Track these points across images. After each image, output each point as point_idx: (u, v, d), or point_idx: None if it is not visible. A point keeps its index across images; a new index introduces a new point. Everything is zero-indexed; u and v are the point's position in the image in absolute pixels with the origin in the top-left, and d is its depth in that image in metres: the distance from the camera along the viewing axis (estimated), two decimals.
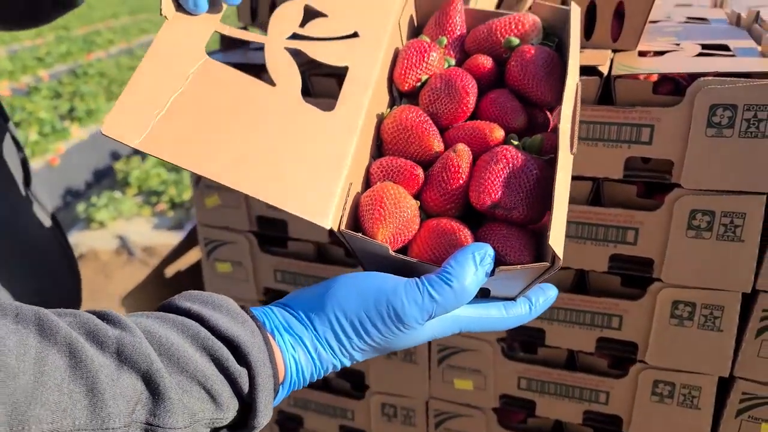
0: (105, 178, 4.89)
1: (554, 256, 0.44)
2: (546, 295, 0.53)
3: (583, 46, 0.79)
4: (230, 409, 0.42)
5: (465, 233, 0.49)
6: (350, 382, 0.95)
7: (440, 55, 0.60)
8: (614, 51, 0.78)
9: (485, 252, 0.46)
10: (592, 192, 0.74)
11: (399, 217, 0.50)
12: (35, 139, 4.58)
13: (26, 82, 6.88)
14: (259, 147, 0.49)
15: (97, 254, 3.23)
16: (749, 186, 0.65)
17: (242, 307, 0.46)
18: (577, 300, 0.77)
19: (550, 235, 0.44)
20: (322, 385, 0.97)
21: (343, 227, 0.50)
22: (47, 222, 0.74)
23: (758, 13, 0.94)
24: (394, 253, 0.49)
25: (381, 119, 0.58)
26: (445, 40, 0.62)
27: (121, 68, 7.26)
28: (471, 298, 0.46)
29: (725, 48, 0.76)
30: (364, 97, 0.56)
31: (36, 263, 0.68)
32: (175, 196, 3.60)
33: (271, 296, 0.94)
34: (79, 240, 3.33)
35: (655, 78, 0.67)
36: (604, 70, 0.67)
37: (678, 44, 0.78)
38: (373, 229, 0.50)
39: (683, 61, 0.69)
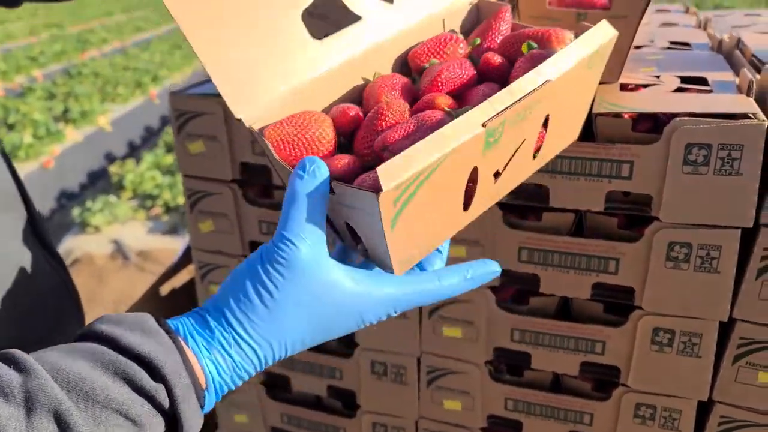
0: (99, 180, 4.89)
1: (378, 187, 0.42)
2: (486, 269, 0.54)
3: None
4: (154, 426, 0.42)
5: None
6: (342, 401, 0.97)
7: (464, 51, 0.60)
8: None
9: (314, 165, 0.46)
10: (575, 223, 0.76)
11: (297, 127, 0.50)
12: (29, 141, 4.58)
13: (20, 82, 6.86)
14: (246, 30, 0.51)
15: (92, 258, 3.24)
16: (725, 220, 0.67)
17: (158, 321, 0.45)
18: (562, 326, 0.79)
19: (386, 164, 0.43)
20: (315, 403, 1.00)
21: (257, 128, 0.51)
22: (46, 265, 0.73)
23: (739, 39, 0.97)
24: (270, 149, 0.50)
25: (367, 82, 0.60)
26: (478, 41, 0.62)
27: (116, 68, 7.24)
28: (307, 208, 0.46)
29: (704, 81, 0.78)
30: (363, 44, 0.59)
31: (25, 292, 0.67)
32: (170, 200, 3.61)
33: (270, 378, 0.96)
34: (74, 244, 3.34)
35: (634, 115, 0.69)
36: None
37: (658, 76, 0.80)
38: (269, 127, 0.51)
39: (661, 98, 0.72)
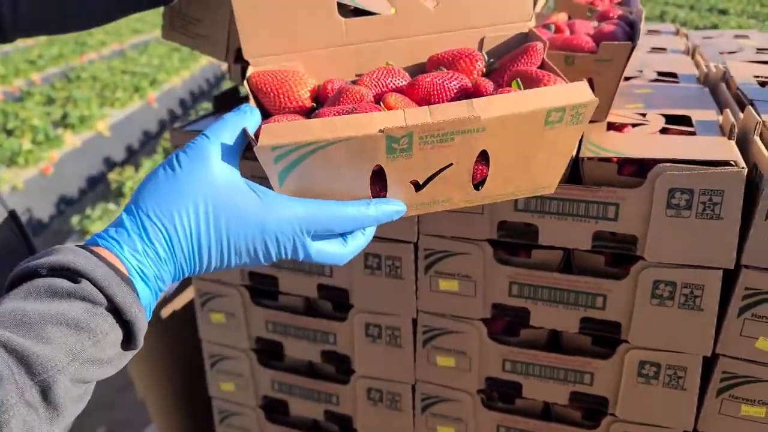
0: (98, 186, 4.91)
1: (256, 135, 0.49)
2: (390, 205, 0.54)
3: None
4: (98, 322, 0.42)
5: None
6: (339, 426, 1.00)
7: (480, 69, 0.61)
8: None
9: (249, 108, 0.52)
10: (563, 260, 0.78)
11: (278, 80, 0.56)
12: (29, 147, 4.60)
13: (19, 85, 6.87)
14: None
15: None
16: (707, 261, 0.70)
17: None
18: (552, 357, 0.82)
19: (274, 125, 0.49)
20: (312, 426, 1.02)
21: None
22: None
23: (725, 71, 0.99)
24: (247, 88, 0.57)
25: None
26: (497, 64, 0.63)
27: (114, 72, 7.25)
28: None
29: (688, 121, 0.80)
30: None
31: None
32: None
33: (261, 344, 0.99)
34: None
35: (620, 160, 0.72)
36: (573, 150, 0.72)
37: (644, 114, 0.83)
38: (256, 71, 0.58)
39: (646, 141, 0.74)
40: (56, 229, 4.23)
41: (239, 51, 0.76)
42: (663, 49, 1.26)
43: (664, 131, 0.78)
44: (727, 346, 0.73)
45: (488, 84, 0.55)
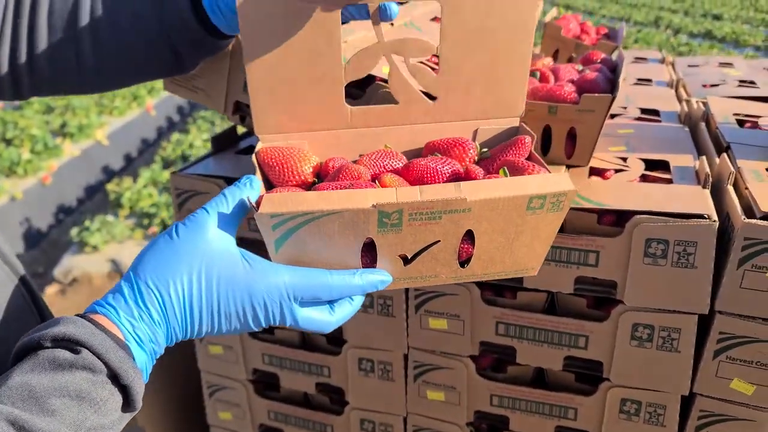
0: (97, 194, 4.93)
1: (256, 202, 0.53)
2: (376, 275, 0.56)
3: None
4: (98, 389, 0.45)
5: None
6: None
7: (473, 156, 0.63)
8: (568, 167, 0.86)
9: (249, 179, 0.55)
10: (548, 301, 0.82)
11: (284, 156, 0.60)
12: (28, 157, 4.62)
13: None
14: None
15: (90, 278, 3.29)
16: (682, 306, 0.73)
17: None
18: (537, 393, 0.85)
19: (276, 195, 0.52)
20: None
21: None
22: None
23: (704, 112, 1.03)
24: (255, 163, 0.60)
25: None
26: (488, 153, 0.65)
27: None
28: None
29: (666, 166, 0.84)
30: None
31: None
32: (167, 219, 3.66)
33: (259, 375, 1.02)
34: (72, 264, 3.39)
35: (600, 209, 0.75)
36: None
37: (626, 159, 0.86)
38: (265, 147, 0.61)
39: (625, 191, 0.77)
40: (55, 239, 4.25)
41: (237, 103, 0.80)
42: (648, 81, 1.30)
43: (643, 177, 0.82)
44: (703, 386, 0.76)
45: (478, 170, 0.58)
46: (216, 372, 1.03)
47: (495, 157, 0.62)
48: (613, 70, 0.96)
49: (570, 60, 1.28)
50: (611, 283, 0.76)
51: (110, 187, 4.23)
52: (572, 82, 0.89)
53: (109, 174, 5.24)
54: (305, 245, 0.54)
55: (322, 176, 0.61)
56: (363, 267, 0.56)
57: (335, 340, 0.95)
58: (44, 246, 4.15)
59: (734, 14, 8.86)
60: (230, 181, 0.89)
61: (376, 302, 0.87)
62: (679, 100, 1.18)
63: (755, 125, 1.00)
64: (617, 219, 0.75)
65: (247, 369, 1.01)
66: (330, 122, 0.63)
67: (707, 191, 0.76)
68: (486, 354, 0.87)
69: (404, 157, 0.63)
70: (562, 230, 0.76)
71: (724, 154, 0.81)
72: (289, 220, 0.51)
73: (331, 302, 0.56)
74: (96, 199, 4.87)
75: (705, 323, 0.74)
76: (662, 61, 1.51)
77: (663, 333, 0.75)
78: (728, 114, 1.03)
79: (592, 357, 0.81)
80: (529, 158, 0.62)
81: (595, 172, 0.85)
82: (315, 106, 0.62)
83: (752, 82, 1.24)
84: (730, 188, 0.75)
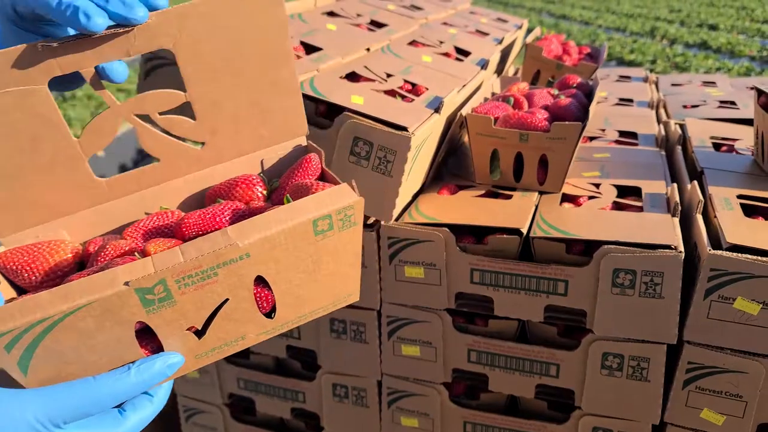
0: None
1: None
2: (163, 359, 0.46)
3: (513, 187, 0.88)
4: None
5: None
6: None
7: (262, 192, 0.56)
8: (541, 193, 0.86)
9: None
10: (519, 329, 0.82)
11: (33, 251, 0.49)
12: None
13: None
14: None
15: None
16: (651, 336, 0.73)
17: None
18: (510, 421, 0.85)
19: (8, 306, 0.41)
20: None
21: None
22: None
23: (680, 136, 1.03)
24: None
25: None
26: (277, 183, 0.57)
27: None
28: None
29: (638, 193, 0.84)
30: None
31: None
32: None
33: (235, 400, 1.01)
34: None
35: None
36: (525, 229, 0.75)
37: (599, 185, 0.86)
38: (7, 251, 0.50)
39: (595, 219, 0.77)
40: None
41: None
42: (630, 101, 1.30)
43: (615, 204, 0.82)
44: (674, 415, 0.76)
45: (263, 205, 0.51)
46: (192, 396, 1.03)
47: (283, 185, 0.55)
48: (588, 95, 0.96)
49: (552, 79, 1.28)
50: (581, 311, 0.76)
51: None
52: (546, 107, 0.89)
53: None
54: (61, 355, 0.43)
55: (86, 263, 0.51)
56: (152, 354, 0.46)
57: (310, 365, 0.95)
58: None
59: (730, 24, 8.90)
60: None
61: (349, 328, 0.87)
62: (659, 121, 1.18)
63: (731, 149, 1.00)
64: (586, 248, 0.75)
65: (223, 393, 1.00)
66: (84, 201, 0.53)
67: (676, 220, 0.75)
68: (459, 381, 0.86)
69: (183, 214, 0.54)
70: (530, 258, 0.76)
71: (695, 182, 0.81)
72: (24, 333, 0.41)
73: (121, 406, 0.45)
74: None
75: (675, 353, 0.74)
76: (646, 79, 1.52)
77: (633, 362, 0.75)
78: (705, 137, 1.04)
79: (563, 385, 0.80)
80: (323, 177, 0.55)
81: (567, 198, 0.85)
82: (59, 191, 0.52)
83: (733, 103, 1.25)
84: (699, 217, 0.75)
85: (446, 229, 0.77)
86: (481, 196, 0.86)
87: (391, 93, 0.84)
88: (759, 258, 0.66)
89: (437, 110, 0.79)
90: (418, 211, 0.82)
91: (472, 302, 0.80)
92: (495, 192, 0.87)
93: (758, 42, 7.40)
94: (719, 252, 0.68)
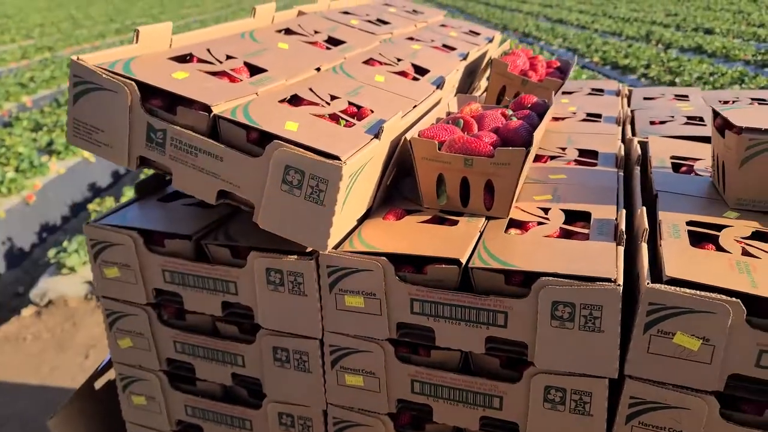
0: (82, 212, 4.92)
1: None
2: None
3: (461, 212, 0.85)
4: None
5: None
6: None
7: None
8: (488, 218, 0.84)
9: None
10: (462, 359, 0.79)
11: None
12: (12, 176, 4.61)
13: (9, 108, 6.91)
14: None
15: (66, 301, 3.26)
16: (592, 370, 0.71)
17: None
18: None
19: None
20: None
21: None
22: None
23: (639, 156, 1.01)
24: None
25: None
26: None
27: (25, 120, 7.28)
28: None
29: (587, 217, 0.82)
30: None
31: None
32: None
33: (183, 426, 0.99)
34: (49, 285, 3.36)
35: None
36: (464, 259, 0.73)
37: (548, 210, 0.84)
38: None
39: (537, 248, 0.75)
40: (36, 258, 4.23)
41: (142, 158, 0.78)
42: (598, 117, 1.28)
43: (562, 231, 0.80)
44: None
45: None
46: (140, 423, 1.01)
47: None
48: (542, 116, 0.94)
49: (517, 95, 1.26)
50: (522, 343, 0.74)
51: (91, 207, 4.21)
52: (496, 130, 0.87)
53: (96, 192, 5.23)
54: None
55: None
56: None
57: (257, 393, 0.92)
58: (26, 265, 4.12)
59: (726, 28, 8.88)
60: (144, 233, 0.87)
61: (292, 357, 0.85)
62: (624, 138, 1.16)
63: (690, 169, 0.98)
64: (525, 279, 0.73)
65: (171, 420, 0.98)
66: None
67: (621, 249, 0.73)
68: (404, 411, 0.84)
69: None
70: (470, 289, 0.74)
71: (643, 208, 0.79)
72: None
73: None
74: (81, 217, 4.85)
75: (618, 387, 0.72)
76: (618, 93, 1.50)
77: (575, 396, 0.73)
78: (666, 157, 1.02)
79: (507, 418, 0.78)
80: None
81: (515, 224, 0.83)
82: None
83: (701, 119, 1.23)
84: (644, 246, 0.73)
85: (385, 258, 0.75)
86: (426, 221, 0.84)
87: (333, 117, 0.82)
88: (698, 293, 0.64)
89: (377, 136, 0.77)
90: (360, 238, 0.80)
91: (413, 332, 0.78)
92: (442, 217, 0.85)
93: (753, 46, 7.38)
94: (657, 286, 0.65)
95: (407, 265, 0.76)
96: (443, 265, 0.73)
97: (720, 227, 0.78)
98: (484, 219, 0.83)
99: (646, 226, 0.74)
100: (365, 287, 0.77)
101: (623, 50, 7.50)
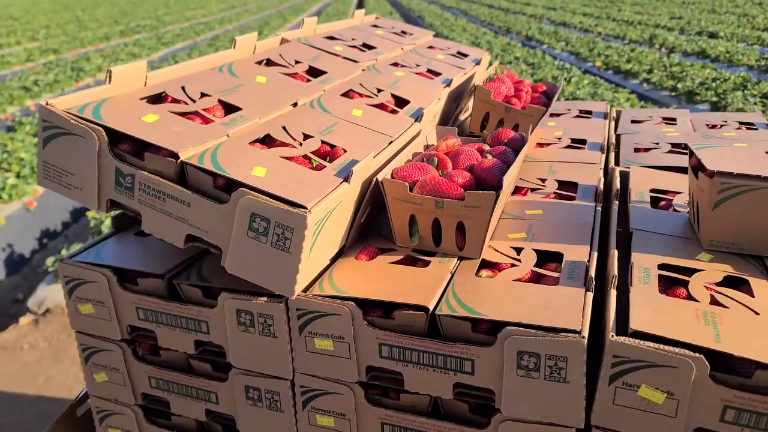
0: (82, 218, 4.94)
1: None
2: None
3: (434, 252, 0.85)
4: None
5: None
6: None
7: None
8: (460, 259, 0.83)
9: None
10: (431, 403, 0.79)
11: None
12: (13, 182, 4.63)
13: (12, 112, 6.95)
14: None
15: (63, 310, 3.27)
16: (558, 420, 0.70)
17: None
18: None
19: None
20: None
21: None
22: None
23: (618, 190, 1.00)
24: None
25: None
26: None
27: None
28: None
29: (560, 258, 0.81)
30: None
31: None
32: None
33: None
34: (47, 294, 3.37)
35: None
36: (431, 306, 0.73)
37: (520, 251, 0.84)
38: None
39: (505, 295, 0.74)
40: (36, 265, 4.25)
41: (111, 200, 0.78)
42: (582, 143, 1.27)
43: (533, 273, 0.79)
44: None
45: None
46: None
47: None
48: (519, 151, 0.94)
49: (501, 122, 1.26)
50: (489, 390, 0.73)
51: (90, 213, 4.23)
52: (471, 168, 0.87)
53: None
54: None
55: None
56: None
57: (231, 430, 0.92)
58: (26, 272, 4.15)
59: (730, 32, 8.83)
60: (117, 271, 0.87)
61: (264, 396, 0.85)
62: (606, 168, 1.16)
63: (669, 204, 0.97)
64: (492, 327, 0.72)
65: None
66: None
67: (590, 295, 0.73)
68: None
69: None
70: (439, 335, 0.73)
71: (615, 251, 0.78)
72: None
73: None
74: (81, 223, 4.87)
75: None
76: (606, 116, 1.49)
77: None
78: (645, 190, 1.01)
79: None
80: None
81: (487, 264, 0.83)
82: None
83: (685, 147, 1.22)
84: (612, 293, 0.72)
85: (353, 303, 0.75)
86: (398, 262, 0.83)
87: (305, 158, 0.82)
88: (661, 347, 0.64)
89: (347, 179, 0.77)
90: (330, 280, 0.80)
91: (382, 375, 0.78)
92: (414, 257, 0.85)
93: (757, 50, 7.33)
94: (622, 339, 0.65)
95: (376, 308, 0.76)
96: (411, 312, 0.73)
97: (692, 271, 0.78)
98: (456, 259, 0.83)
99: (616, 272, 0.74)
100: (334, 331, 0.77)
101: (626, 54, 7.47)
